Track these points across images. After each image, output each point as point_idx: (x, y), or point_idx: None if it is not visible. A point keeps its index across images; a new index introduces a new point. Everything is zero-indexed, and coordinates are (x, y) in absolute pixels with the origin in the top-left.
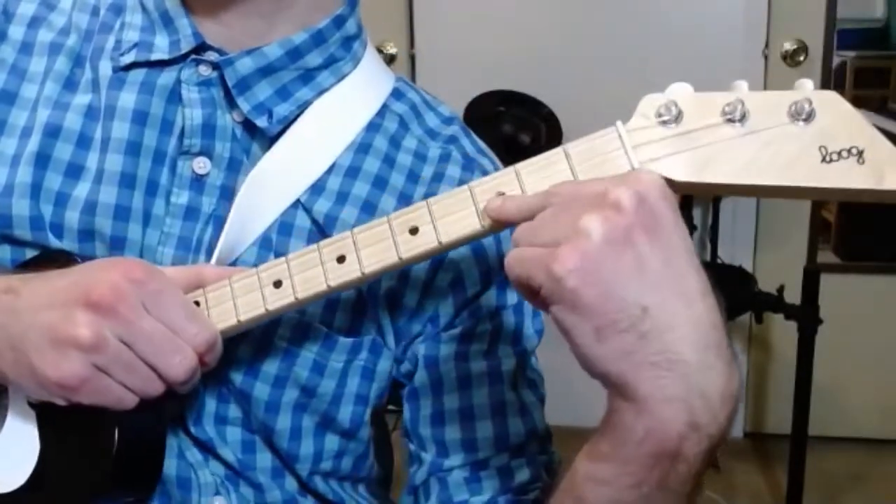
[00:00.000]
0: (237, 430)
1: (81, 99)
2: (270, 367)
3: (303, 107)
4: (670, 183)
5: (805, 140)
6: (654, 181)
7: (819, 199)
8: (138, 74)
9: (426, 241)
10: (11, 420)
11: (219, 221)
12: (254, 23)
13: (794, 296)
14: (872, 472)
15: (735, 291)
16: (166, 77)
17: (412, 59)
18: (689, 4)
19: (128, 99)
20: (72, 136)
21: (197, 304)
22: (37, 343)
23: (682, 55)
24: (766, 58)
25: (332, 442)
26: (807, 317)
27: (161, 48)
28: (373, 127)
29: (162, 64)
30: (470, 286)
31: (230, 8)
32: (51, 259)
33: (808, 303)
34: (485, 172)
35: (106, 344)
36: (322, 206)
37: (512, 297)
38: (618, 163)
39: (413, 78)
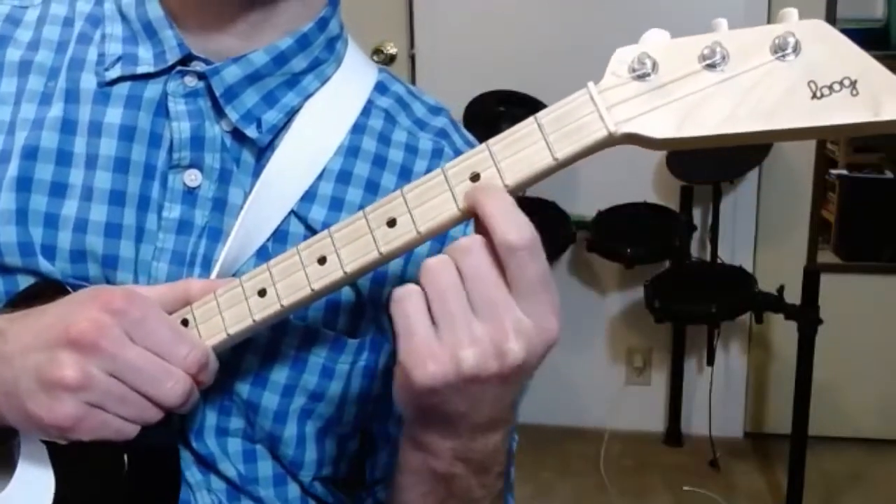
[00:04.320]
0: (238, 441)
1: (55, 111)
2: (279, 376)
3: (290, 114)
4: (650, 142)
5: (792, 77)
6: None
7: (814, 138)
8: (123, 88)
9: (405, 232)
10: (25, 456)
11: (213, 233)
12: (241, 31)
13: (794, 296)
14: (872, 472)
15: (735, 291)
16: (152, 90)
17: (412, 59)
18: (689, 4)
19: (114, 114)
20: (50, 155)
21: (185, 322)
22: (28, 388)
23: None
24: None
25: (331, 447)
26: (807, 317)
27: (146, 60)
28: (359, 128)
29: (147, 76)
30: None
31: (228, 19)
32: (40, 292)
33: (808, 303)
34: None
35: (94, 381)
36: (318, 214)
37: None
38: (593, 127)
39: (413, 78)
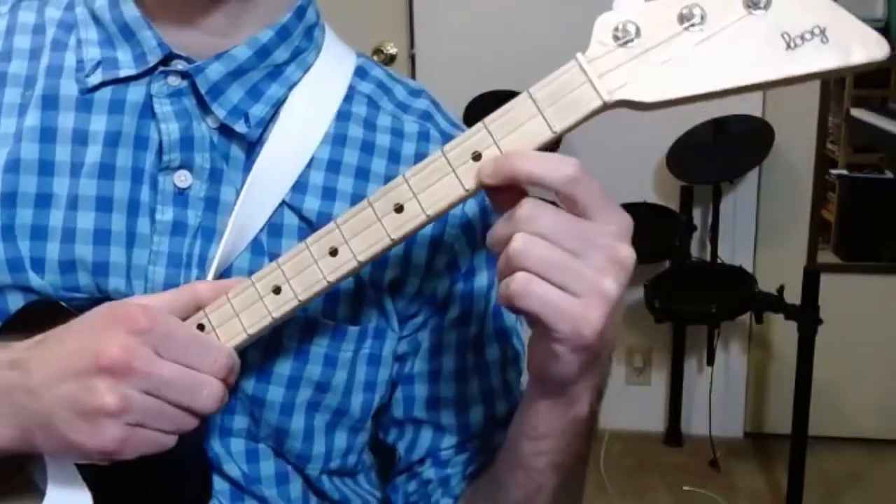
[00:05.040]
0: (241, 441)
1: (31, 121)
2: (283, 368)
3: (276, 105)
4: (642, 106)
5: (766, 29)
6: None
7: (789, 85)
8: (105, 93)
9: (413, 217)
10: (55, 480)
11: (207, 233)
12: (219, 25)
13: (794, 296)
14: (872, 472)
15: (735, 291)
16: (135, 93)
17: (412, 59)
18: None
19: (99, 121)
20: (32, 167)
21: (201, 327)
22: (65, 418)
23: None
24: None
25: (341, 439)
26: (807, 317)
27: (126, 63)
28: (343, 115)
29: (128, 79)
30: (464, 266)
31: (202, 11)
32: (36, 313)
33: (808, 303)
34: None
35: (133, 403)
36: (312, 204)
37: (492, 275)
38: (587, 98)
39: (413, 78)
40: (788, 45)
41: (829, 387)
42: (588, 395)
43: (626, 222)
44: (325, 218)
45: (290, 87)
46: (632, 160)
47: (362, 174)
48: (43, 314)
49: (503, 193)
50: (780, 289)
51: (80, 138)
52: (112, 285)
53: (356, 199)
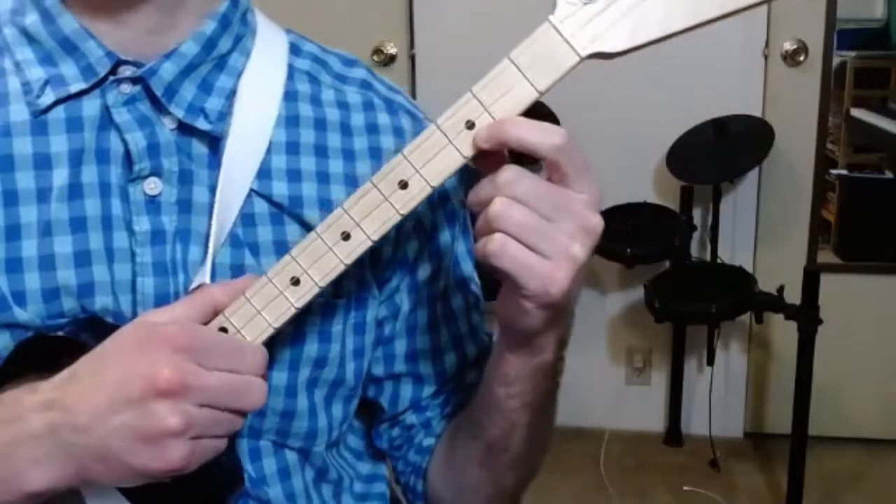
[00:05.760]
0: (244, 441)
1: None
2: (282, 353)
3: (230, 97)
4: (612, 55)
5: None
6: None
7: (735, 15)
8: (59, 112)
9: (419, 191)
10: (92, 496)
11: (183, 236)
12: (155, 23)
13: (794, 296)
14: (872, 472)
15: (735, 291)
16: (90, 107)
17: (412, 59)
18: None
19: (58, 142)
20: None
21: (225, 330)
22: (126, 447)
23: (681, 55)
24: (766, 58)
25: (338, 409)
26: (807, 317)
27: (75, 78)
28: (290, 96)
29: (81, 94)
30: (428, 224)
31: (133, 9)
32: (31, 348)
33: (808, 303)
34: (405, 110)
35: (195, 419)
36: (281, 189)
37: (452, 230)
38: (564, 56)
39: (413, 78)
40: None
41: (829, 387)
42: (552, 344)
43: (598, 193)
44: (296, 200)
45: (238, 76)
46: (632, 160)
47: (321, 151)
48: (39, 348)
49: (487, 157)
50: (780, 289)
51: (43, 162)
52: (99, 304)
53: (321, 176)
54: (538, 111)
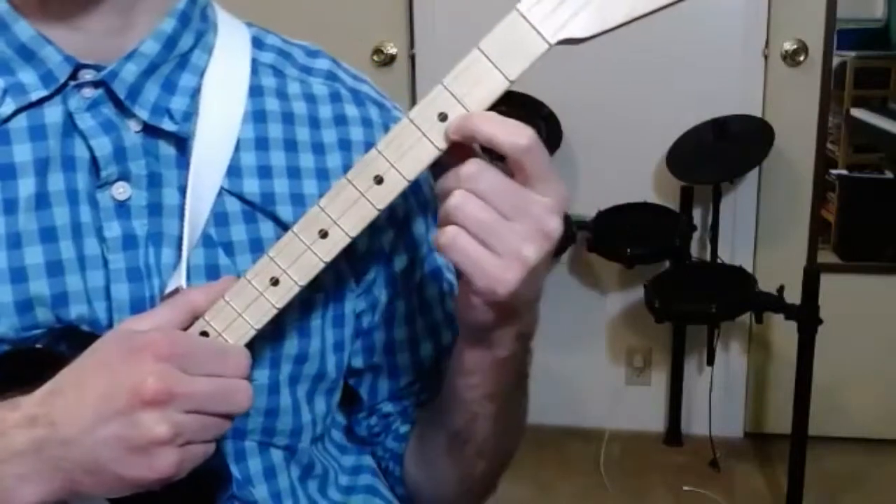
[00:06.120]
0: (229, 442)
1: None
2: (263, 351)
3: (194, 95)
4: (581, 41)
5: None
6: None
7: None
8: (20, 121)
9: (395, 184)
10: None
11: (155, 239)
12: (112, 23)
13: (794, 296)
14: (872, 472)
15: (735, 291)
16: (52, 114)
17: (412, 59)
18: (689, 4)
19: (22, 152)
20: None
21: (206, 334)
22: (115, 458)
23: (681, 55)
24: (766, 58)
25: (321, 403)
26: (807, 317)
27: (34, 85)
28: (255, 91)
29: (41, 101)
30: (401, 214)
31: (88, 11)
32: (11, 362)
33: (808, 303)
34: (372, 100)
35: (182, 426)
36: (252, 187)
37: (426, 219)
38: (533, 44)
39: (413, 78)
40: None
41: (829, 387)
42: (508, 340)
43: (562, 198)
44: (268, 197)
45: (201, 74)
46: (632, 160)
47: (291, 146)
48: (17, 362)
49: (456, 149)
50: (780, 289)
51: (8, 173)
52: (74, 313)
53: (292, 171)
54: (537, 111)
